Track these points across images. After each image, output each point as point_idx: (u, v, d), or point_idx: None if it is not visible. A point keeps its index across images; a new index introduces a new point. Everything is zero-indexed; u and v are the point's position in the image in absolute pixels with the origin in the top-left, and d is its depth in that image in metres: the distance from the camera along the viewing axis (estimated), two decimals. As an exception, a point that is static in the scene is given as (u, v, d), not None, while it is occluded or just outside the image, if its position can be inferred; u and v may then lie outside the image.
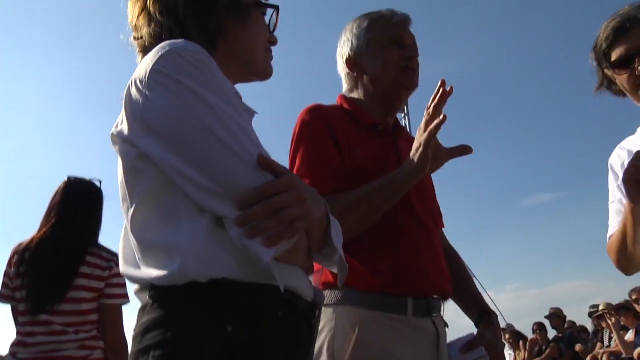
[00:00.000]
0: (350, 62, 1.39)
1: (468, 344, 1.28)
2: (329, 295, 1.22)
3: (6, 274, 1.97)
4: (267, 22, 0.97)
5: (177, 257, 0.72)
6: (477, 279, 1.65)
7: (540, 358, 6.54)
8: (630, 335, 5.14)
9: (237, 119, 0.77)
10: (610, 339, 5.55)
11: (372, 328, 1.15)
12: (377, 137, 1.34)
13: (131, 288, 0.88)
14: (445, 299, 1.33)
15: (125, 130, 0.79)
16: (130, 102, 0.78)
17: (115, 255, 1.97)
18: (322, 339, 1.17)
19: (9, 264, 1.97)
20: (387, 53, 1.34)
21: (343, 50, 1.41)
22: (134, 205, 0.79)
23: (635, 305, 5.11)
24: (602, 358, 5.32)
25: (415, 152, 1.13)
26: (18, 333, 1.86)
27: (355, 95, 1.41)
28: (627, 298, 5.27)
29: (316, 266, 0.92)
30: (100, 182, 2.20)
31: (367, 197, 1.16)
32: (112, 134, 0.82)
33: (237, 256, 0.74)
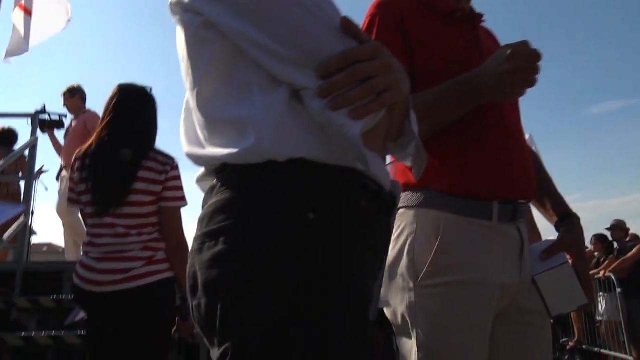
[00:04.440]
0: None
1: (548, 250, 1.14)
2: (410, 197, 1.11)
3: (71, 179, 2.04)
4: None
5: (251, 132, 0.63)
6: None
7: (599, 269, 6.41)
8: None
9: None
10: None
11: (456, 233, 1.05)
12: (456, 26, 1.18)
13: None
14: (529, 202, 1.19)
15: None
16: None
17: (171, 159, 1.96)
18: (401, 242, 1.08)
19: (72, 170, 2.02)
20: None
21: None
22: (198, 79, 0.69)
23: None
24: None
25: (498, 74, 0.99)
26: (87, 234, 1.95)
27: None
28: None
29: None
30: (151, 89, 2.14)
31: (438, 101, 1.07)
32: (171, 3, 0.72)
33: (317, 133, 0.64)
